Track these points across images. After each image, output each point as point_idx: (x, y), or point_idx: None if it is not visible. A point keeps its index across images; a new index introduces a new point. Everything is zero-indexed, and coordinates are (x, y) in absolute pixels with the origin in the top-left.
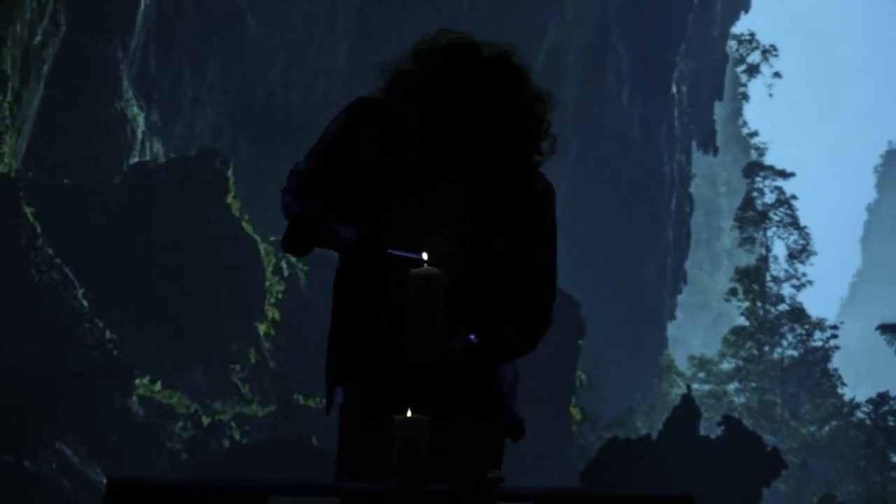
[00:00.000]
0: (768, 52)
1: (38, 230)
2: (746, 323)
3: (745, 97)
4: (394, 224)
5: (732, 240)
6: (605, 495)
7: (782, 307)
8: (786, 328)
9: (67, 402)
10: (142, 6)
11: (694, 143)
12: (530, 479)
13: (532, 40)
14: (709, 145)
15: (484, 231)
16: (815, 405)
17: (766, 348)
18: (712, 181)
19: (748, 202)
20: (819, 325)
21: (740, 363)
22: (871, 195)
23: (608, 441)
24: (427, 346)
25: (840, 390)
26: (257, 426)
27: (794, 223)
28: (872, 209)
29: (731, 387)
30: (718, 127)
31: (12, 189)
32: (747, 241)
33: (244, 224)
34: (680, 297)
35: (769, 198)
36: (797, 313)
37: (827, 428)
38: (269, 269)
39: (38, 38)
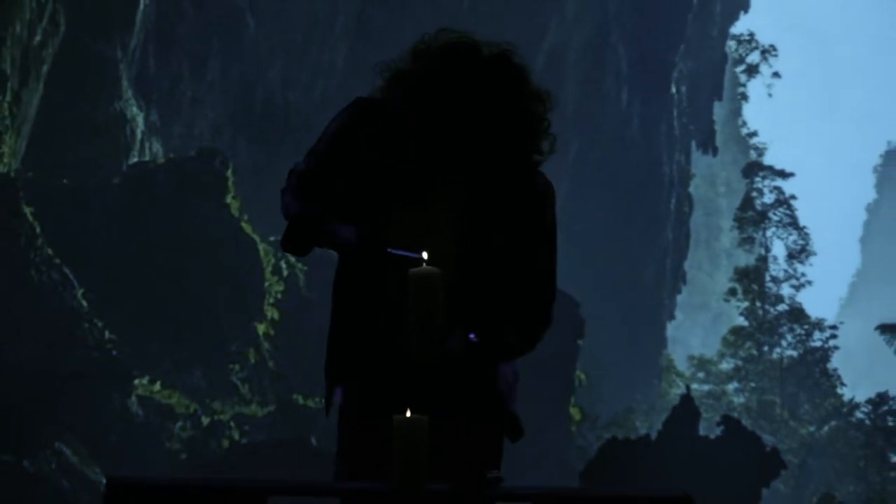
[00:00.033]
0: (768, 52)
1: (38, 230)
2: (746, 323)
3: (745, 97)
4: (394, 224)
5: (732, 240)
6: (605, 495)
7: (781, 307)
8: (785, 328)
9: (67, 402)
10: (141, 6)
11: (693, 143)
12: (529, 479)
13: (532, 40)
14: (708, 145)
15: (484, 230)
16: (815, 405)
17: (766, 348)
18: (712, 181)
19: (747, 202)
20: (818, 325)
21: (739, 363)
22: (870, 195)
23: (607, 441)
24: (427, 346)
25: (839, 390)
26: (256, 426)
27: (794, 223)
28: (872, 209)
29: (731, 387)
30: (718, 127)
31: (12, 189)
32: (746, 242)
33: (243, 224)
34: (679, 297)
35: (768, 198)
36: (796, 313)
37: (826, 428)
38: (269, 269)
39: (38, 38)
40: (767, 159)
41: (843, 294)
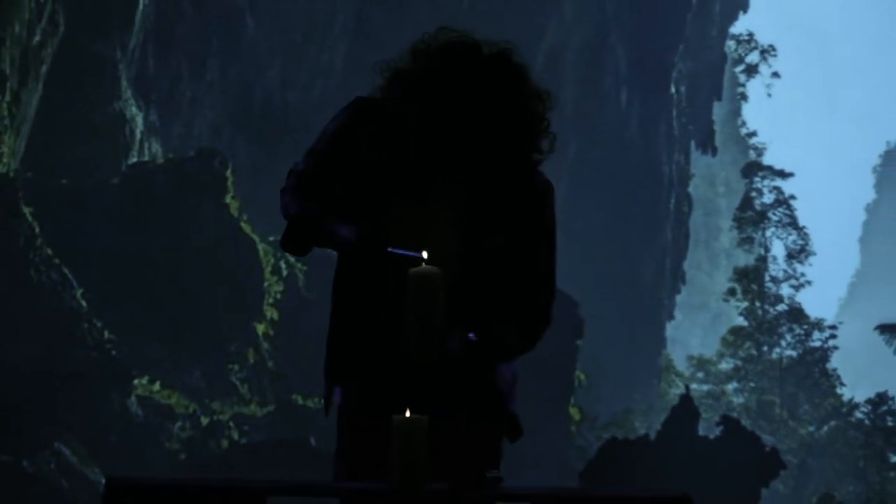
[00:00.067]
0: (767, 52)
1: (37, 230)
2: (745, 323)
3: (744, 97)
4: (393, 223)
5: (731, 240)
6: (604, 496)
7: (781, 307)
8: (784, 328)
9: (66, 402)
10: (140, 6)
11: (692, 144)
12: (529, 479)
13: (531, 41)
14: (707, 145)
15: (484, 229)
16: (814, 405)
17: (765, 348)
18: (711, 181)
19: (747, 202)
20: (818, 325)
21: (739, 363)
22: (869, 195)
23: (607, 441)
24: (427, 346)
25: (839, 390)
26: (256, 426)
27: (793, 223)
28: (871, 209)
29: (730, 387)
30: (717, 127)
31: (11, 189)
32: (746, 242)
33: (243, 224)
34: (679, 297)
35: (768, 198)
36: (796, 313)
37: (826, 428)
38: (268, 269)
39: (37, 38)
40: (767, 159)
41: (843, 294)
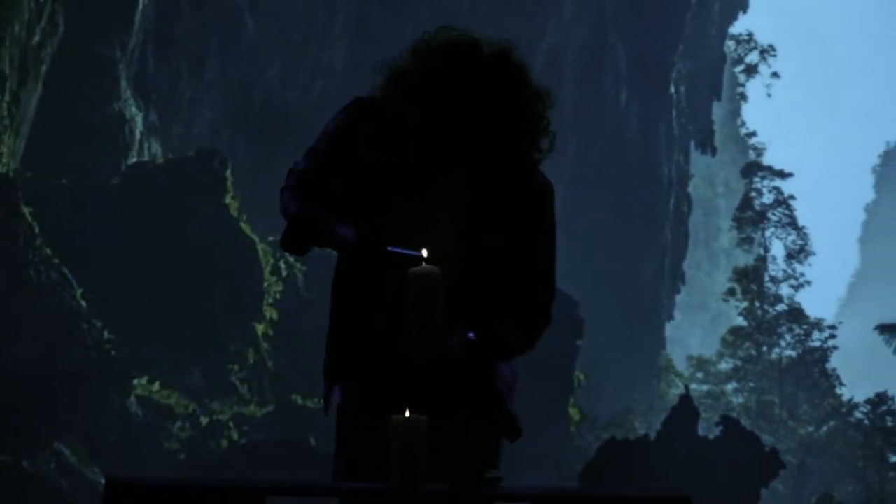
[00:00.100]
0: (766, 52)
1: (37, 230)
2: (745, 323)
3: (744, 97)
4: (393, 222)
5: (731, 240)
6: (604, 496)
7: (780, 307)
8: (784, 328)
9: (66, 402)
10: (140, 6)
11: (692, 144)
12: (528, 480)
13: (530, 41)
14: (707, 145)
15: (484, 228)
16: (814, 405)
17: (765, 348)
18: (710, 181)
19: (746, 202)
20: (817, 325)
21: (738, 363)
22: (869, 195)
23: (606, 441)
24: (427, 345)
25: (838, 390)
26: (255, 426)
27: (793, 223)
28: (871, 209)
29: (730, 387)
30: (717, 127)
31: (10, 189)
32: (745, 242)
33: (242, 224)
34: (678, 297)
35: (767, 198)
36: (795, 313)
37: (825, 428)
38: (268, 269)
39: (37, 38)
40: (766, 159)
41: (842, 294)
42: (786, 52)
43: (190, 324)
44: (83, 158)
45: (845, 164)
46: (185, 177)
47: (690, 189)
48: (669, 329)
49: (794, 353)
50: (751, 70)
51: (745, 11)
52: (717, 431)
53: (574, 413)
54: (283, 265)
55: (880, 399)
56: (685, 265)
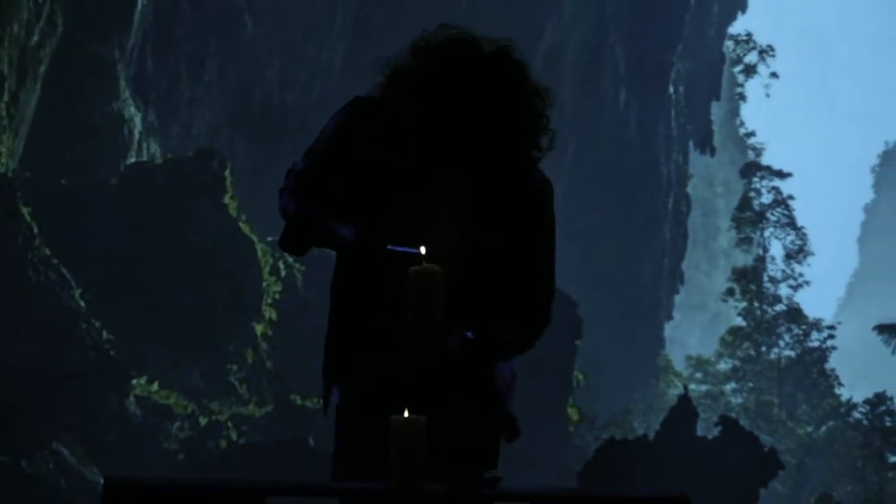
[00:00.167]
0: (765, 52)
1: (35, 230)
2: (743, 323)
3: (743, 97)
4: (393, 220)
5: (729, 240)
6: (602, 496)
7: (779, 307)
8: (783, 328)
9: (64, 402)
10: (139, 6)
11: (691, 144)
12: (527, 480)
13: (529, 41)
14: (706, 145)
15: (483, 227)
16: (812, 405)
17: (763, 349)
18: (709, 181)
19: (745, 202)
20: (816, 325)
21: (737, 363)
22: (868, 195)
23: (605, 441)
24: (426, 344)
25: (837, 391)
26: (254, 426)
27: (792, 223)
28: (870, 209)
29: (728, 387)
30: (715, 127)
31: (9, 189)
32: (744, 242)
33: (241, 224)
34: (677, 298)
35: (766, 198)
36: (794, 313)
37: (824, 428)
38: (267, 269)
39: (35, 38)
40: (765, 159)
41: (841, 294)
42: (785, 53)
43: (189, 324)
44: (82, 158)
45: (844, 164)
46: (184, 177)
47: (689, 189)
48: (668, 329)
49: (792, 354)
50: (750, 70)
51: (743, 12)
52: (715, 431)
53: (573, 413)
54: (282, 265)
55: (879, 399)
56: (684, 265)
